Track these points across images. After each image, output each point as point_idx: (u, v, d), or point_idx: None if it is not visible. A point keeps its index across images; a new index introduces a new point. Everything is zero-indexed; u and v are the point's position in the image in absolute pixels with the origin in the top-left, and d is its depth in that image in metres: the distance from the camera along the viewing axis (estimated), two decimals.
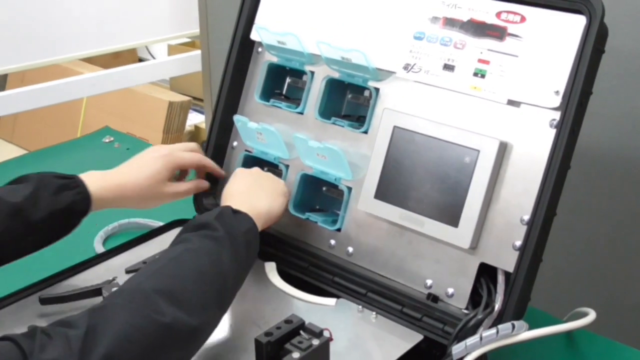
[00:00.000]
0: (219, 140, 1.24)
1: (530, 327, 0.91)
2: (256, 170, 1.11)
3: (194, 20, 2.15)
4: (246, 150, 1.22)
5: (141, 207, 1.10)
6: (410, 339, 0.98)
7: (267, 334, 0.90)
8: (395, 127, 1.04)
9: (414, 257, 1.03)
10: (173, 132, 2.88)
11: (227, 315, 1.03)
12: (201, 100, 3.19)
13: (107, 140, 1.72)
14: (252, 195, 1.03)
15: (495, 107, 0.98)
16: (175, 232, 1.23)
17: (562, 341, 1.06)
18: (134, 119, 2.84)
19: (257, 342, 0.90)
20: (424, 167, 1.01)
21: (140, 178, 1.06)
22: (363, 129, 1.09)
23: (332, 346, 0.92)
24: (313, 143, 1.10)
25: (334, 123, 1.12)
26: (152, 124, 2.84)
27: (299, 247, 1.14)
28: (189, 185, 1.15)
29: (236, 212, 0.96)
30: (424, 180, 1.01)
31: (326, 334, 0.91)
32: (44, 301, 1.02)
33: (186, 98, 2.99)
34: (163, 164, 1.09)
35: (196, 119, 3.13)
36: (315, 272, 1.11)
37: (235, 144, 1.24)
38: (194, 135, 3.04)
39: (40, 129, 3.14)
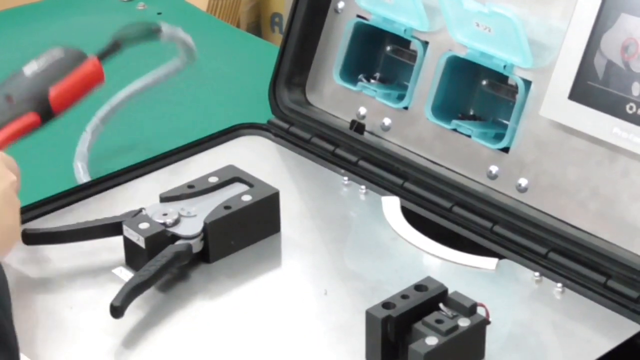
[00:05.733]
0: (315, 1, 1.25)
1: None
2: None
3: None
4: (359, 17, 1.23)
5: None
6: (618, 330, 0.97)
7: (387, 305, 0.91)
8: None
9: (631, 197, 1.03)
10: None
11: (324, 277, 1.07)
12: None
13: None
14: None
15: None
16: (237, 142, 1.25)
17: None
18: None
19: (371, 318, 0.91)
20: None
21: None
22: None
23: (489, 333, 0.93)
24: (471, 5, 1.10)
25: None
26: None
27: (438, 176, 1.15)
28: None
29: None
30: None
31: (481, 311, 0.92)
32: (30, 239, 1.04)
33: None
34: None
35: None
36: (464, 215, 1.13)
37: (340, 5, 1.25)
38: (258, 3, 3.02)
39: None
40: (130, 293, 0.95)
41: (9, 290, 0.82)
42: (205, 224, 1.04)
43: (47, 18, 1.71)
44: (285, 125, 1.27)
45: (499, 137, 1.12)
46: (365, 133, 1.22)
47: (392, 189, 1.17)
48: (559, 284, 1.03)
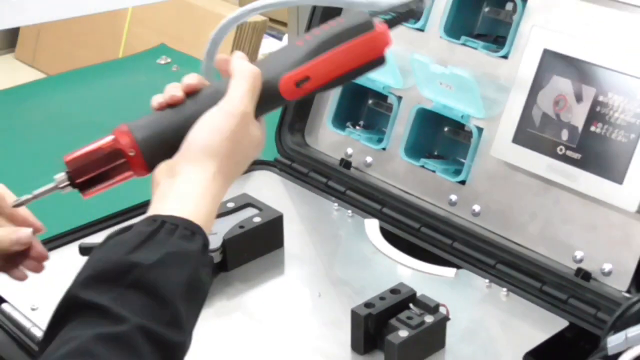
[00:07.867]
0: None
1: None
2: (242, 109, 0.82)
3: None
4: None
5: None
6: (551, 325, 1.01)
7: (368, 305, 0.95)
8: (545, 50, 1.05)
9: (561, 220, 1.06)
10: None
11: (318, 282, 1.10)
12: (282, 23, 3.05)
13: (162, 62, 1.76)
14: (234, 156, 0.81)
15: None
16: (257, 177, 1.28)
17: None
18: (190, 42, 2.72)
19: (355, 315, 0.95)
20: (581, 104, 1.02)
21: None
22: (502, 52, 1.11)
23: (449, 328, 0.97)
24: (436, 68, 1.12)
25: (464, 44, 1.15)
26: None
27: (409, 202, 1.18)
28: None
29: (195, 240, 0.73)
30: (580, 121, 1.02)
31: (443, 310, 0.96)
32: (84, 251, 1.07)
33: (261, 18, 2.81)
34: None
35: (274, 47, 3.03)
36: (429, 234, 1.16)
37: None
38: None
39: (69, 51, 3.13)
40: None
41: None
42: (223, 240, 1.08)
43: (102, 78, 1.74)
44: (288, 162, 1.31)
45: (457, 172, 1.15)
46: (352, 169, 1.26)
47: (373, 213, 1.21)
48: (505, 289, 1.07)
